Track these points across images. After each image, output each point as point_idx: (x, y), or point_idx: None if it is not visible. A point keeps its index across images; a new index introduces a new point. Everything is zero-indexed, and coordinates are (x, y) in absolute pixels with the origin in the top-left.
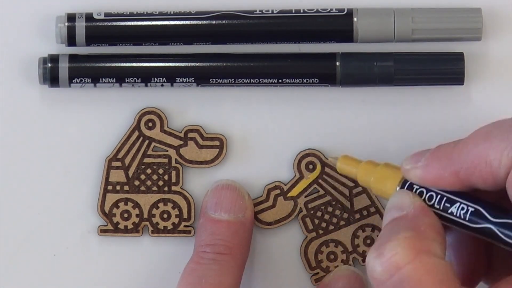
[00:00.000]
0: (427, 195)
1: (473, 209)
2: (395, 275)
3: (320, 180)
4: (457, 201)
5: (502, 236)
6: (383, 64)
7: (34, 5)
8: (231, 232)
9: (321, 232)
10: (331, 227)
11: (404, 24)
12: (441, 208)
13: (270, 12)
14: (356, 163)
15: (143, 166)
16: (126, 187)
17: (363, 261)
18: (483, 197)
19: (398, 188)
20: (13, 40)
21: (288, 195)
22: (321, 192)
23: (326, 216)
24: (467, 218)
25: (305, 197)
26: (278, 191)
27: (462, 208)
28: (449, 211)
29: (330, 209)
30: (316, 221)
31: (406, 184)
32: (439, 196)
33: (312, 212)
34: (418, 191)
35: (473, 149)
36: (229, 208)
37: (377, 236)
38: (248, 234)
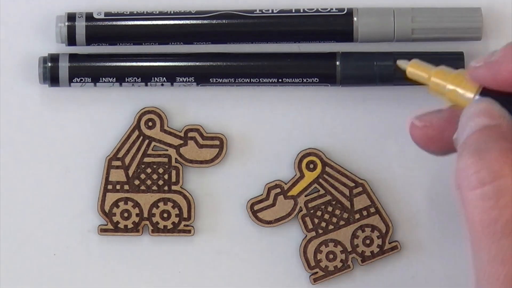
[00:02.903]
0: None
1: None
2: (497, 182)
3: (320, 180)
4: None
5: None
6: (383, 63)
7: (34, 5)
8: None
9: (320, 231)
10: (331, 227)
11: (404, 23)
12: None
13: (270, 11)
14: (427, 69)
15: (143, 166)
16: (126, 187)
17: (362, 261)
18: None
19: (477, 96)
20: (13, 40)
21: (288, 194)
22: (322, 191)
23: (326, 216)
24: None
25: (305, 196)
26: (278, 190)
27: None
28: None
29: (330, 208)
30: (316, 220)
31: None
32: None
33: (312, 211)
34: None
35: None
36: None
37: (377, 235)
38: None
